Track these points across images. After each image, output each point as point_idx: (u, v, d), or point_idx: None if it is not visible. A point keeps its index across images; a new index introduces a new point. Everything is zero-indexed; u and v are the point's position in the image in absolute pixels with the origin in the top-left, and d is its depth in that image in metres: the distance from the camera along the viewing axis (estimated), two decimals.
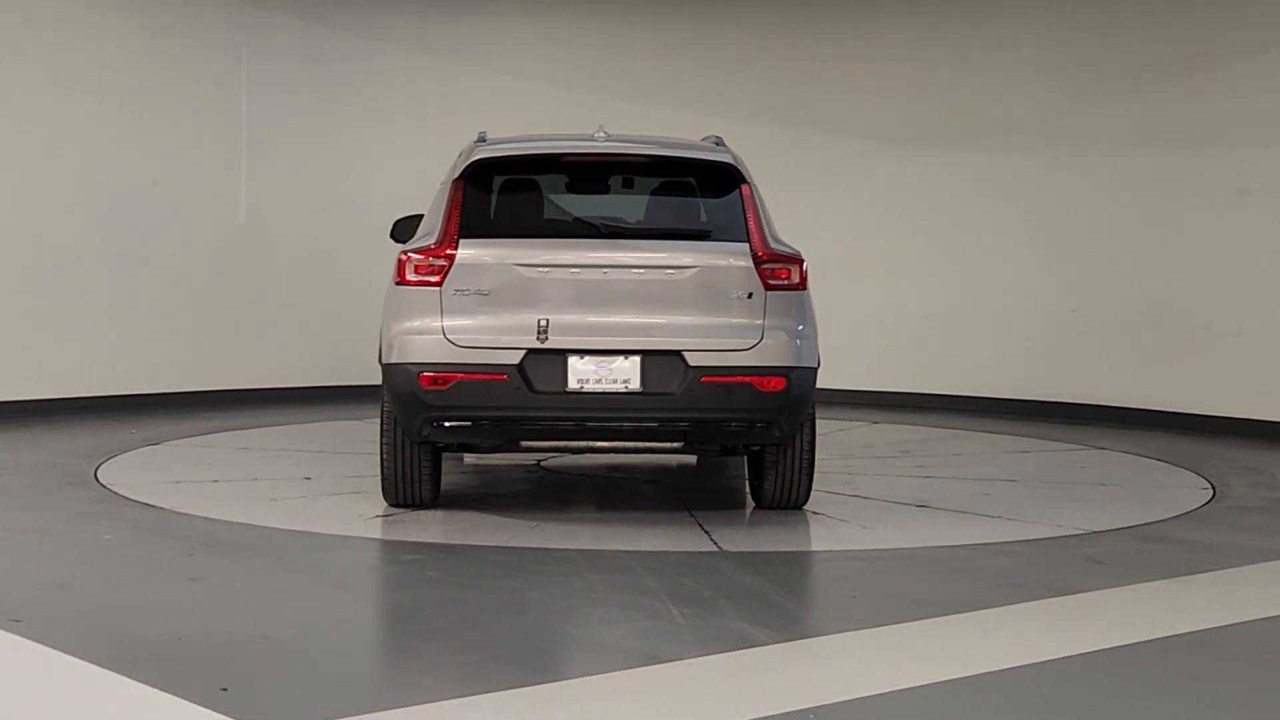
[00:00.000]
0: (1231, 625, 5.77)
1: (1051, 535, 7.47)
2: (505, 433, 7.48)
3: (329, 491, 8.39)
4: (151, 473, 9.03)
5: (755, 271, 7.38)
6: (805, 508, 7.89)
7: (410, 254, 7.45)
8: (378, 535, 7.29)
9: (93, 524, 7.43)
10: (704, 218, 7.84)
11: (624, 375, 7.26)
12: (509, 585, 6.30)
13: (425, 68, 13.49)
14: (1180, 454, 10.40)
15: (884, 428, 11.71)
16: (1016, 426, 11.86)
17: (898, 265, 13.26)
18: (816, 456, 7.89)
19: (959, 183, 13.05)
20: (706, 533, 7.44)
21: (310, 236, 12.95)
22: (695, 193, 7.95)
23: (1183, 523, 7.95)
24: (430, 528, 7.42)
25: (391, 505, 7.79)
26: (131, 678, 4.77)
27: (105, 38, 11.82)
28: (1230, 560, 6.98)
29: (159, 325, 12.12)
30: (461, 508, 7.94)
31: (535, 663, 5.23)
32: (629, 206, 8.17)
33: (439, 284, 7.33)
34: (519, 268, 7.34)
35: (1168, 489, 9.09)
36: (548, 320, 7.24)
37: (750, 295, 7.35)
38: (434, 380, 7.24)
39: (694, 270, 7.38)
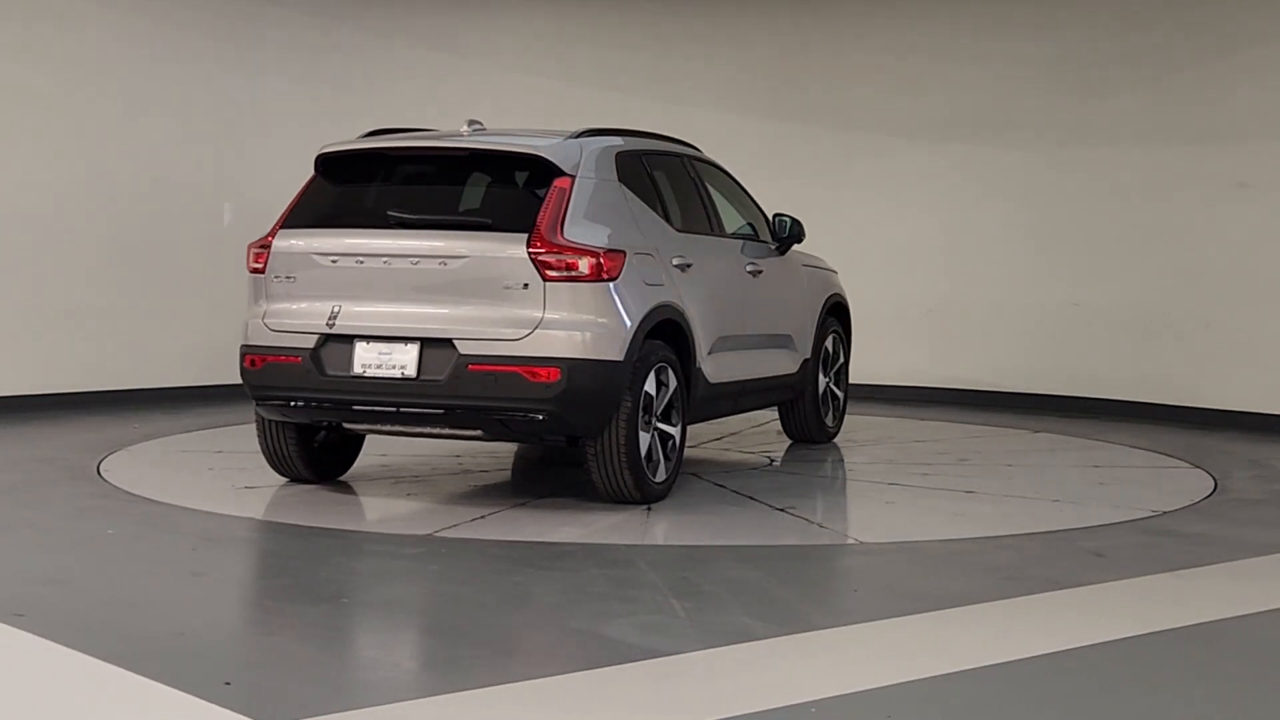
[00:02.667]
0: (1233, 618, 5.77)
1: (1052, 529, 7.47)
2: (306, 413, 7.81)
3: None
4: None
5: (531, 262, 7.36)
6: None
7: (251, 244, 8.05)
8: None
9: (95, 519, 7.44)
10: (500, 208, 7.84)
11: (402, 362, 7.48)
12: (510, 580, 6.30)
13: (428, 62, 13.48)
14: (1182, 447, 10.40)
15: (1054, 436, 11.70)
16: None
17: (898, 259, 13.24)
18: None
19: (959, 177, 13.04)
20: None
21: None
22: (510, 184, 7.95)
23: (1184, 516, 7.94)
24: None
25: (287, 480, 8.29)
26: (134, 672, 4.77)
27: (104, 30, 11.81)
28: (1232, 553, 6.98)
29: (161, 319, 12.11)
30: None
31: (538, 657, 5.23)
32: (449, 198, 8.14)
33: (263, 272, 7.90)
34: (316, 257, 7.74)
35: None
36: (339, 307, 7.63)
37: (526, 286, 7.36)
38: (252, 362, 7.86)
39: (467, 260, 7.46)
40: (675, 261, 8.12)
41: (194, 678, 4.75)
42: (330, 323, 7.63)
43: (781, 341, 9.55)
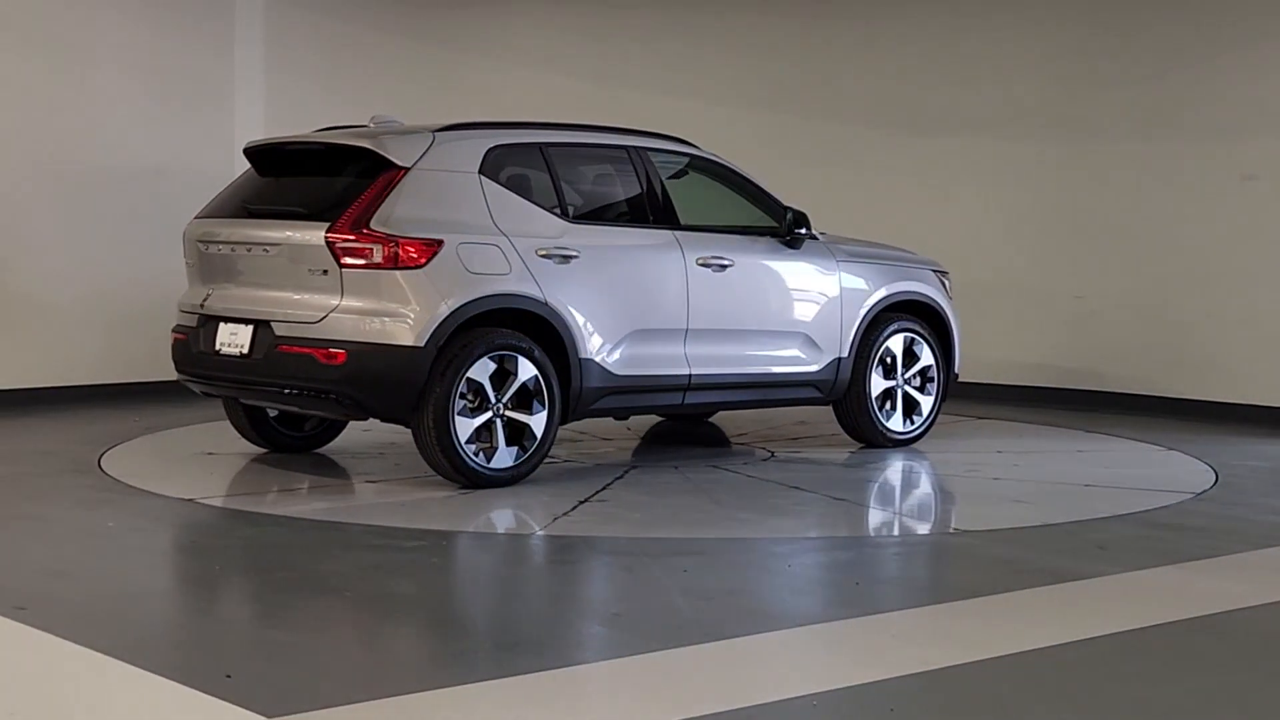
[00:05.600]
0: (1236, 610, 5.77)
1: (1053, 522, 7.47)
2: (194, 385, 8.57)
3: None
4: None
5: (329, 250, 7.72)
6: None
7: None
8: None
9: (96, 512, 7.44)
10: (323, 199, 8.08)
11: (241, 341, 8.09)
12: (511, 573, 6.30)
13: (432, 58, 13.47)
14: (1183, 440, 10.40)
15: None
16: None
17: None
18: None
19: (963, 168, 13.02)
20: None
21: None
22: (350, 176, 8.13)
23: (1186, 508, 7.95)
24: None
25: (265, 451, 9.00)
26: (136, 665, 4.77)
27: (101, 12, 11.81)
28: (1235, 546, 6.98)
29: (162, 312, 12.09)
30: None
31: (539, 650, 5.23)
32: (296, 190, 8.43)
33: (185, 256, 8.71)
34: (199, 244, 8.49)
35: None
36: (212, 290, 8.38)
37: (325, 272, 7.76)
38: (174, 340, 8.67)
39: (281, 247, 7.97)
40: (547, 252, 8.18)
41: (195, 671, 4.75)
42: (202, 304, 8.38)
43: (781, 339, 9.30)
